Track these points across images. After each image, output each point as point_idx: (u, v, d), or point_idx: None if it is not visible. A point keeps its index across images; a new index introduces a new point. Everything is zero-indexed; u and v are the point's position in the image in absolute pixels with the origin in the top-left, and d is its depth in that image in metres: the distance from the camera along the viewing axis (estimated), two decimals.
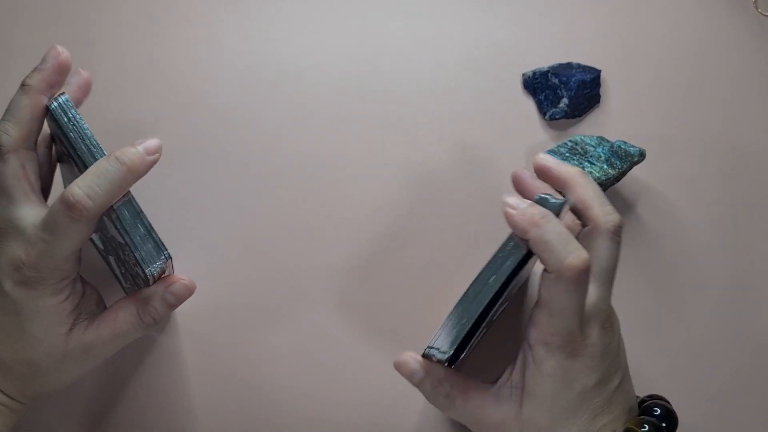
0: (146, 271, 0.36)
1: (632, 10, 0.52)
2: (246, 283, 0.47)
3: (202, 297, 0.43)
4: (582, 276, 0.32)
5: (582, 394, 0.34)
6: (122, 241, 0.36)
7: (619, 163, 0.45)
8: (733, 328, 0.47)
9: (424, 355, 0.37)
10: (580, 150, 0.46)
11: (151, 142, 0.36)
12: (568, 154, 0.46)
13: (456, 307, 0.34)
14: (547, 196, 0.35)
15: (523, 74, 0.50)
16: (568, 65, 0.50)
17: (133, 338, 0.37)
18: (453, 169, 0.49)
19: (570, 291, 0.32)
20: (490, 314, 0.35)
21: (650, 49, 0.51)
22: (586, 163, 0.45)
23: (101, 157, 0.35)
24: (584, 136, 0.47)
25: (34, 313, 0.34)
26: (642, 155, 0.46)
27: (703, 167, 0.49)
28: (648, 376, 0.47)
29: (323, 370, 0.46)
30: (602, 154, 0.46)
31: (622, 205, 0.49)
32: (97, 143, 0.36)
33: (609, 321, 0.35)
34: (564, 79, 0.48)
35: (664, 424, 0.35)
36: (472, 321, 0.34)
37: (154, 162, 0.35)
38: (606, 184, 0.45)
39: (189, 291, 0.38)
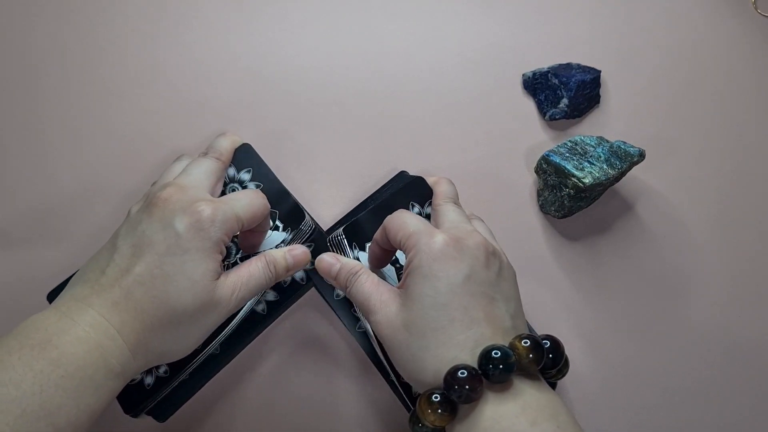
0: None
1: (632, 11, 0.52)
2: None
3: None
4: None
5: (451, 289, 0.34)
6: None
7: (618, 163, 0.45)
8: (733, 328, 0.47)
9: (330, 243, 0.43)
10: (579, 150, 0.46)
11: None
12: (567, 154, 0.46)
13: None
14: None
15: (523, 75, 0.51)
16: (568, 66, 0.50)
17: (262, 288, 0.40)
18: (453, 169, 0.49)
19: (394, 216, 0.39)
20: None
21: (650, 49, 0.51)
22: (586, 163, 0.45)
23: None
24: (584, 137, 0.47)
25: (199, 254, 0.35)
26: (641, 155, 0.46)
27: (702, 167, 0.50)
28: (647, 375, 0.47)
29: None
30: (602, 154, 0.46)
31: (622, 204, 0.49)
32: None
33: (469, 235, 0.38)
34: (564, 79, 0.48)
35: (550, 355, 0.34)
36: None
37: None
38: (605, 184, 0.45)
39: (306, 257, 0.42)
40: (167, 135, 0.49)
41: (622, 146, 0.46)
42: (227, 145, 0.44)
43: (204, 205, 0.36)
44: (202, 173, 0.41)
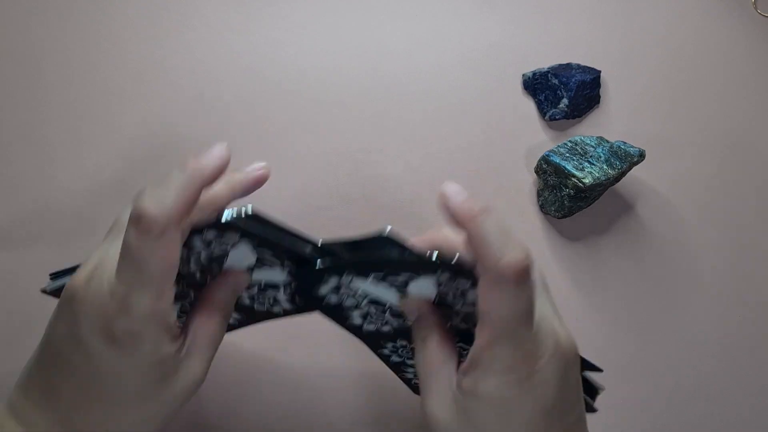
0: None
1: (632, 11, 0.52)
2: None
3: None
4: (522, 276, 0.26)
5: (527, 426, 0.28)
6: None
7: (618, 164, 0.45)
8: (732, 327, 0.47)
9: None
10: (579, 150, 0.46)
11: (217, 148, 0.31)
12: (567, 155, 0.46)
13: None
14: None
15: (523, 75, 0.51)
16: (568, 66, 0.50)
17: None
18: (453, 169, 0.49)
19: (510, 294, 0.26)
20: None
21: (650, 50, 0.51)
22: (586, 164, 0.45)
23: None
24: (584, 137, 0.47)
25: (124, 372, 0.28)
26: (641, 155, 0.46)
27: (703, 167, 0.50)
28: (647, 375, 0.47)
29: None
30: (602, 155, 0.46)
31: (622, 204, 0.49)
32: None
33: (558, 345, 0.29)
34: (564, 79, 0.48)
35: None
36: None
37: (221, 164, 0.30)
38: (605, 185, 0.45)
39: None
40: (167, 134, 0.49)
41: (622, 146, 0.46)
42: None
43: (107, 306, 0.27)
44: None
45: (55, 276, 0.39)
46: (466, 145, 0.50)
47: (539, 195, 0.48)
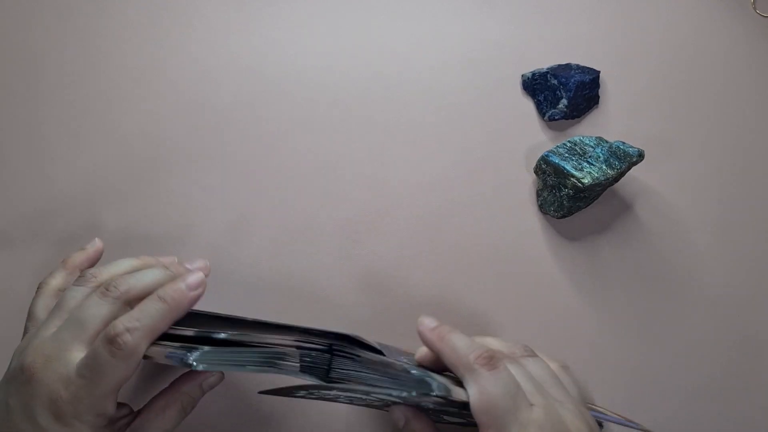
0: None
1: (631, 11, 0.52)
2: (246, 282, 0.47)
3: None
4: (492, 362, 0.32)
5: None
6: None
7: (617, 164, 0.45)
8: (732, 328, 0.48)
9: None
10: (579, 150, 0.46)
11: (194, 278, 0.35)
12: (567, 155, 0.46)
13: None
14: None
15: (523, 75, 0.51)
16: (567, 66, 0.50)
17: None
18: (452, 169, 0.49)
19: (489, 381, 0.31)
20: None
21: (649, 50, 0.51)
22: (585, 164, 0.45)
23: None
24: (583, 137, 0.47)
25: None
26: (640, 156, 0.46)
27: (702, 168, 0.50)
28: (646, 374, 0.47)
29: None
30: (601, 155, 0.46)
31: (621, 205, 0.49)
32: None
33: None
34: (563, 80, 0.48)
35: None
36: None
37: (197, 297, 0.35)
38: (604, 185, 0.46)
39: (219, 380, 0.40)
40: (167, 135, 0.49)
41: (621, 146, 0.46)
42: (142, 284, 0.35)
43: (61, 391, 0.32)
44: (85, 325, 0.33)
45: None
46: (465, 145, 0.50)
47: (538, 195, 0.48)
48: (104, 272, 0.36)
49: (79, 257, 0.41)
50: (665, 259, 0.48)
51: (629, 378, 0.47)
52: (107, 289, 0.34)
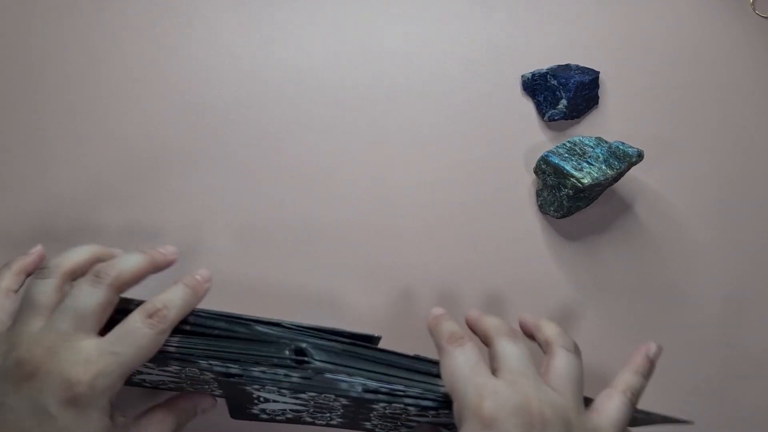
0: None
1: (631, 12, 0.52)
2: (246, 283, 0.47)
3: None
4: (459, 340, 0.35)
5: None
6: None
7: (617, 164, 0.45)
8: (731, 328, 0.48)
9: None
10: (578, 151, 0.46)
11: (205, 273, 0.38)
12: (566, 155, 0.46)
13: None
14: None
15: (522, 76, 0.51)
16: (567, 67, 0.50)
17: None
18: (452, 170, 0.49)
19: (452, 355, 0.34)
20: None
21: (649, 50, 0.51)
22: (585, 164, 0.45)
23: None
24: (583, 137, 0.47)
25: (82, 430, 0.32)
26: (640, 156, 0.46)
27: (701, 168, 0.50)
28: None
29: None
30: (600, 155, 0.46)
31: (620, 205, 0.49)
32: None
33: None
34: (563, 80, 0.49)
35: None
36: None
37: (208, 289, 0.37)
38: (604, 185, 0.46)
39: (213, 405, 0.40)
40: (168, 135, 0.49)
41: (621, 147, 0.46)
42: (131, 268, 0.35)
43: (80, 374, 0.31)
44: (83, 314, 0.33)
45: None
46: (465, 146, 0.50)
47: (538, 195, 0.48)
48: (66, 262, 0.35)
49: (27, 260, 0.39)
50: (664, 259, 0.49)
51: None
52: (98, 277, 0.34)
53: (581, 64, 0.50)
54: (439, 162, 0.49)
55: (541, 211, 0.49)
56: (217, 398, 0.40)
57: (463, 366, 0.34)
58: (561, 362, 0.35)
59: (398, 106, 0.50)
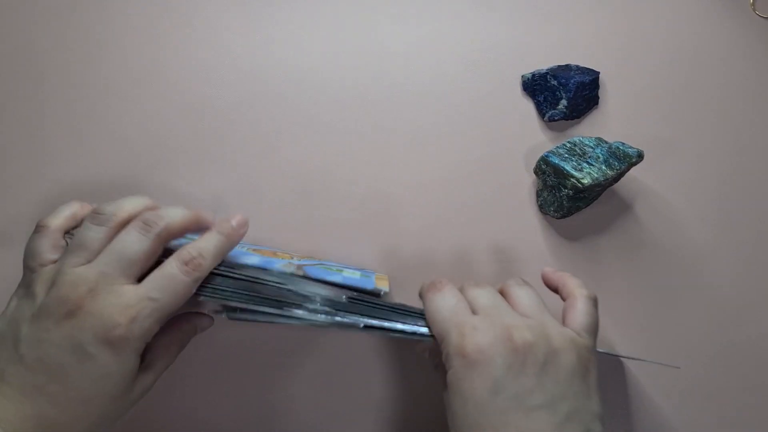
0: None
1: (631, 12, 0.52)
2: None
3: None
4: (438, 286, 0.37)
5: (478, 409, 0.32)
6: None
7: (617, 164, 0.45)
8: (731, 328, 0.48)
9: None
10: (578, 151, 0.46)
11: (240, 217, 0.39)
12: (566, 155, 0.46)
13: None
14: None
15: (523, 76, 0.51)
16: (567, 67, 0.50)
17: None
18: (453, 170, 0.49)
19: (433, 300, 0.37)
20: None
21: (649, 51, 0.51)
22: (585, 164, 0.45)
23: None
24: (583, 137, 0.47)
25: (114, 375, 0.33)
26: (640, 156, 0.46)
27: (701, 168, 0.50)
28: (646, 374, 0.47)
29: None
30: (600, 155, 0.46)
31: (620, 205, 0.49)
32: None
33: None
34: (563, 80, 0.49)
35: None
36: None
37: (244, 234, 0.39)
38: (604, 185, 0.46)
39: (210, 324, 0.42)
40: (168, 135, 0.49)
41: (621, 147, 0.47)
42: (178, 220, 0.36)
43: (120, 317, 0.33)
44: (129, 260, 0.34)
45: None
46: (465, 146, 0.50)
47: (538, 195, 0.48)
48: (121, 213, 0.36)
49: (84, 209, 0.40)
50: (664, 259, 0.49)
51: (628, 376, 0.47)
52: (148, 225, 0.35)
53: (581, 65, 0.51)
54: (439, 162, 0.49)
55: (541, 212, 0.49)
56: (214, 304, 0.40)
57: (442, 309, 0.36)
58: (527, 297, 0.38)
59: (398, 106, 0.50)
